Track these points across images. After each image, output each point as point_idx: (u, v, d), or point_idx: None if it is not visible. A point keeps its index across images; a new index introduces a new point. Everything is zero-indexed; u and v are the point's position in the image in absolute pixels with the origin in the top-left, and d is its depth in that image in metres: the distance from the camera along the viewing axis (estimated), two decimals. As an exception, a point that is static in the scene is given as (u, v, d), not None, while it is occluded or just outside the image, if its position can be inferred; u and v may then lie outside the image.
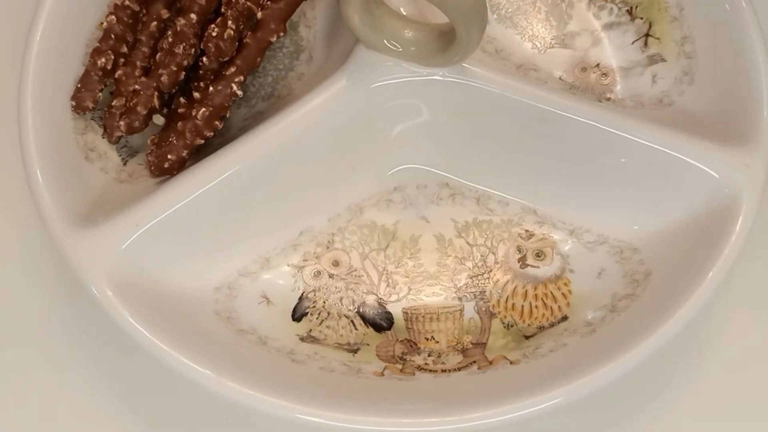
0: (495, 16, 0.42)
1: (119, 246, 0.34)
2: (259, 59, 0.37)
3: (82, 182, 0.37)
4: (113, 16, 0.38)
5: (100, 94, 0.38)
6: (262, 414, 0.32)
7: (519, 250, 0.39)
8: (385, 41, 0.35)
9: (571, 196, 0.39)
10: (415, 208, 0.40)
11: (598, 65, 0.41)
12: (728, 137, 0.36)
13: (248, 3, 0.37)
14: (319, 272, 0.39)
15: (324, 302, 0.38)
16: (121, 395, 0.38)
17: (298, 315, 0.38)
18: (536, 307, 0.38)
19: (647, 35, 0.41)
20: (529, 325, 0.38)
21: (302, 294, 0.38)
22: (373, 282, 0.39)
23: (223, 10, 0.37)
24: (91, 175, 0.37)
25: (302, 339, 0.37)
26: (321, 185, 0.39)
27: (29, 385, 0.39)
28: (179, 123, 0.37)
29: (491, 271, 0.39)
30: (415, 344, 0.37)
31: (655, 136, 0.36)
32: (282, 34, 0.37)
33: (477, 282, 0.39)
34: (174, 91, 0.38)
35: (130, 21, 0.38)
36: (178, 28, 0.37)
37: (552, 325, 0.37)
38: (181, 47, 0.37)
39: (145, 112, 0.37)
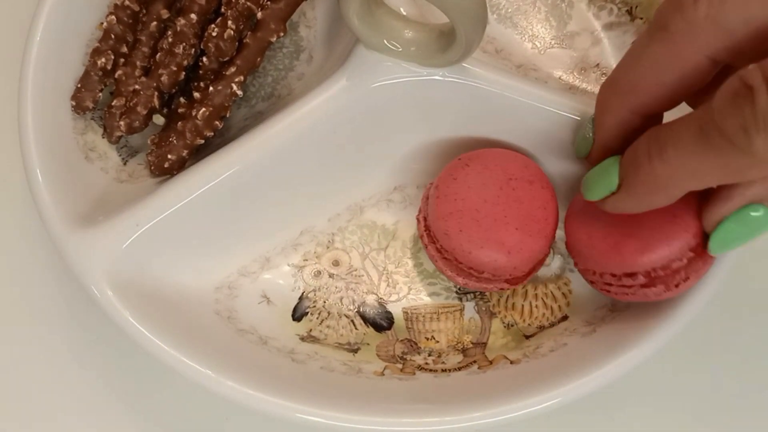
0: (495, 16, 0.42)
1: (119, 246, 0.34)
2: (259, 59, 0.37)
3: (82, 182, 0.37)
4: (113, 16, 0.38)
5: (100, 94, 0.38)
6: (262, 414, 0.32)
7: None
8: (385, 41, 0.35)
9: (571, 195, 0.39)
10: (415, 207, 0.40)
11: (598, 65, 0.41)
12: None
13: (248, 3, 0.37)
14: (319, 272, 0.39)
15: (324, 302, 0.38)
16: (121, 395, 0.38)
17: (298, 315, 0.38)
18: (536, 306, 0.38)
19: (647, 35, 0.41)
20: (529, 324, 0.38)
21: (302, 294, 0.38)
22: (374, 282, 0.39)
23: (223, 10, 0.37)
24: (91, 175, 0.37)
25: (302, 339, 0.37)
26: (321, 185, 0.39)
27: (29, 384, 0.39)
28: (179, 123, 0.37)
29: (491, 270, 0.39)
30: (416, 344, 0.37)
31: (655, 136, 0.36)
32: (282, 34, 0.37)
33: (477, 282, 0.39)
34: (174, 91, 0.38)
35: (130, 21, 0.38)
36: (178, 28, 0.37)
37: (552, 325, 0.37)
38: (181, 47, 0.37)
39: (145, 112, 0.37)
